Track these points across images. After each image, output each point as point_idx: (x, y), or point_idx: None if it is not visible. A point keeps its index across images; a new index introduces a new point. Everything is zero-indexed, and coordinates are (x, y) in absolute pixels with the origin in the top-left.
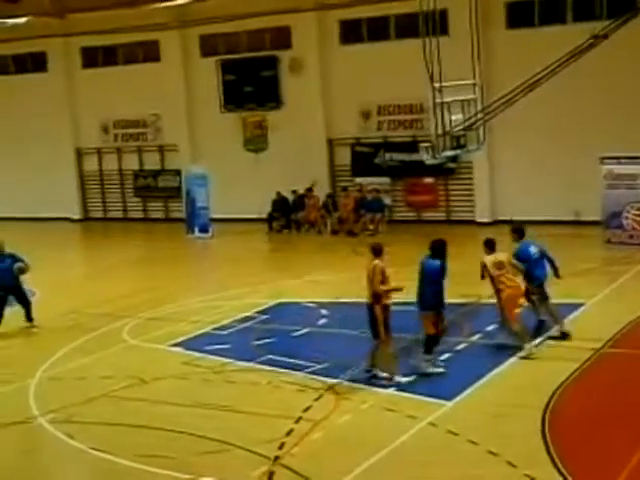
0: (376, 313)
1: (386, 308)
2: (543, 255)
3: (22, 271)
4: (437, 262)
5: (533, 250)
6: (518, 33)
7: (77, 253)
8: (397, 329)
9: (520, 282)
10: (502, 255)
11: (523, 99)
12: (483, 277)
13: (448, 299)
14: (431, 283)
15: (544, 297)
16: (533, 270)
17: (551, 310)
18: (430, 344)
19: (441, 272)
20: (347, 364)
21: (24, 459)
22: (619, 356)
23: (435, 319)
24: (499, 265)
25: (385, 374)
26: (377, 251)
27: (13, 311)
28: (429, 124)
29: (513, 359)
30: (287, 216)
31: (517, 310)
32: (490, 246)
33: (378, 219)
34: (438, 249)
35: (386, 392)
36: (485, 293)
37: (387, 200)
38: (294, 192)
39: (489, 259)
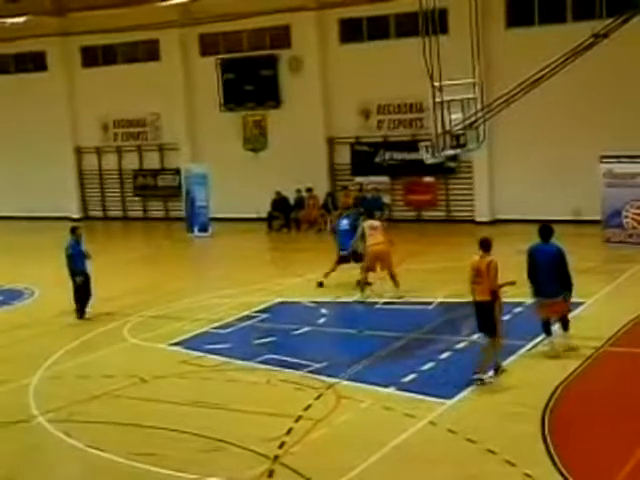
0: (496, 311)
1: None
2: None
3: (87, 256)
4: (553, 246)
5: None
6: (518, 32)
7: None
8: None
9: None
10: (377, 222)
11: (523, 98)
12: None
13: (448, 298)
14: (553, 268)
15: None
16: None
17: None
18: (567, 323)
19: (559, 255)
20: (347, 363)
21: (22, 458)
22: (619, 355)
23: (564, 303)
24: (372, 227)
25: (488, 375)
26: (487, 245)
27: (13, 309)
28: (429, 123)
29: (513, 357)
30: (287, 215)
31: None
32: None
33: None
34: (548, 234)
35: (386, 391)
36: None
37: (386, 199)
38: (298, 191)
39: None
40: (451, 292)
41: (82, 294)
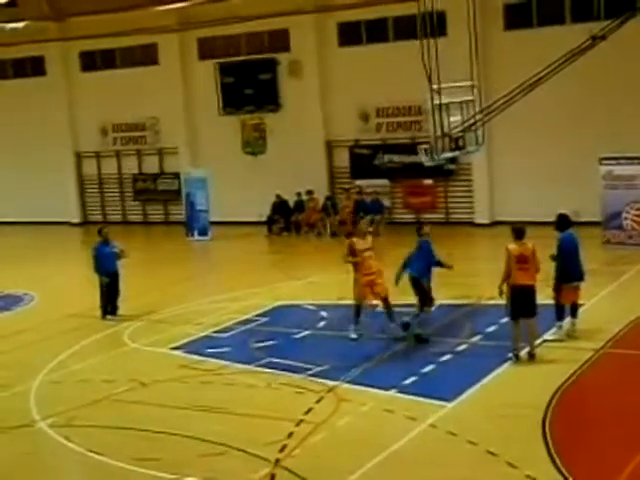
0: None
1: None
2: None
3: (121, 256)
4: (574, 234)
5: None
6: (516, 34)
7: (77, 257)
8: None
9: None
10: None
11: (522, 100)
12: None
13: (448, 300)
14: (578, 254)
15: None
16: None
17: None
18: (576, 310)
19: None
20: (347, 366)
21: (23, 463)
22: (619, 356)
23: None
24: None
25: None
26: (523, 233)
27: (13, 314)
28: (428, 126)
29: (513, 360)
30: (286, 219)
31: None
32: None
33: (377, 221)
34: (569, 222)
35: (386, 394)
36: (485, 294)
37: (386, 202)
38: (298, 194)
39: (360, 241)
40: (451, 294)
41: (108, 294)
